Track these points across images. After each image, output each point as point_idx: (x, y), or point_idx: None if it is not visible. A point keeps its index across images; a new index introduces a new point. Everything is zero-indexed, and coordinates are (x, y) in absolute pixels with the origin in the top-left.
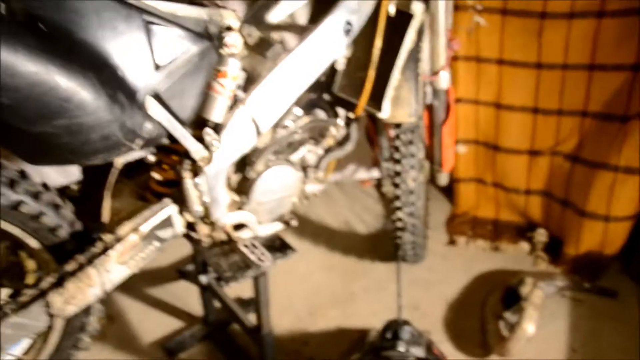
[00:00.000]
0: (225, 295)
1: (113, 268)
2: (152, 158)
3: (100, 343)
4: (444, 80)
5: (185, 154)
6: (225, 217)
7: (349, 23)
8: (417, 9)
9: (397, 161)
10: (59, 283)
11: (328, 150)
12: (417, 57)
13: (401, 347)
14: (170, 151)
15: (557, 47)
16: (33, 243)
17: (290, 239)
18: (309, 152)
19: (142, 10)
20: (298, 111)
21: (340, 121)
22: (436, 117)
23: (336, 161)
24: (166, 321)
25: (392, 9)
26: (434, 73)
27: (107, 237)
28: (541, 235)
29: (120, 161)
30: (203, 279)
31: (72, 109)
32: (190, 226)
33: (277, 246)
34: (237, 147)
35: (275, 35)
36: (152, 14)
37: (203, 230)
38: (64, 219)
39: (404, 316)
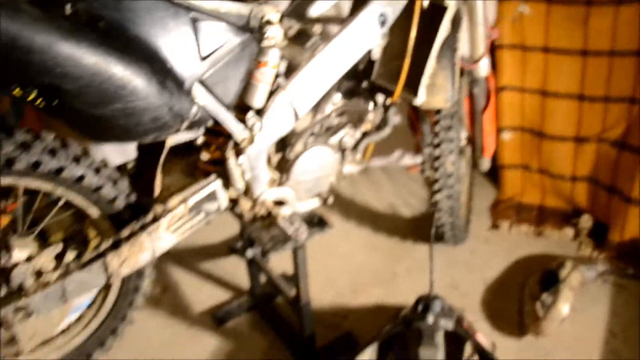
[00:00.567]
0: (270, 269)
1: (162, 236)
2: (201, 140)
3: (154, 309)
4: (483, 68)
5: (229, 136)
6: (266, 193)
7: (383, 15)
8: (450, 1)
9: (437, 146)
10: (115, 246)
11: (366, 134)
12: (454, 46)
13: (430, 319)
14: (218, 134)
15: (604, 34)
16: (94, 212)
17: (336, 220)
18: (347, 136)
19: (188, 9)
20: (337, 97)
21: (371, 106)
22: (476, 104)
23: (376, 146)
24: (216, 293)
25: (425, 2)
26: (474, 62)
27: (158, 208)
28: (586, 222)
29: (170, 141)
30: (249, 252)
31: (127, 95)
32: (234, 201)
33: (315, 222)
34: (276, 129)
35: (314, 28)
36: (198, 11)
37: (245, 205)
38: (121, 192)
39: (443, 295)
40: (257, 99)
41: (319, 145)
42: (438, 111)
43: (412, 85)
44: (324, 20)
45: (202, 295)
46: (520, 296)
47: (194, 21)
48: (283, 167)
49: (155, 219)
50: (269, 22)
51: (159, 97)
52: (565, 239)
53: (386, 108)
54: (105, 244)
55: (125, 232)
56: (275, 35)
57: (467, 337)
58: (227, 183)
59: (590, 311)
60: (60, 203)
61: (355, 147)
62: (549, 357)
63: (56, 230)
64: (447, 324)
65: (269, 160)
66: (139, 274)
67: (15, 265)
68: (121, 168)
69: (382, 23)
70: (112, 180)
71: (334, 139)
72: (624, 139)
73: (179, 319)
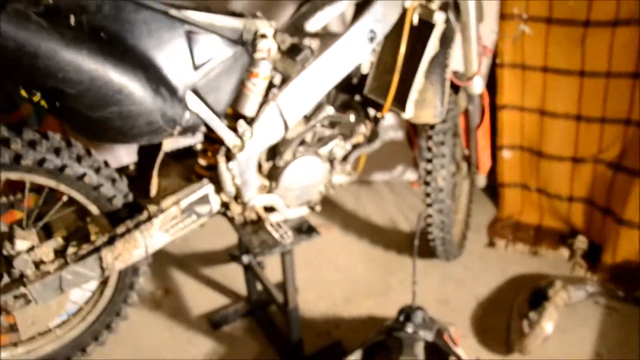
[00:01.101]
0: (264, 275)
1: (155, 234)
2: (199, 146)
3: (155, 311)
4: (477, 85)
5: (222, 142)
6: (255, 198)
7: (372, 31)
8: (438, 19)
9: (429, 160)
10: (110, 242)
11: (356, 146)
12: (444, 62)
13: (409, 329)
14: (215, 141)
15: (600, 55)
16: (94, 209)
17: (337, 232)
18: (337, 147)
19: (184, 21)
20: (330, 110)
21: (353, 117)
22: (471, 121)
23: (379, 160)
24: (215, 297)
25: (415, 18)
26: (468, 79)
27: (152, 208)
28: (581, 242)
29: (167, 145)
30: (245, 258)
31: (123, 99)
32: (225, 205)
33: (304, 229)
34: (266, 138)
35: (306, 42)
36: (193, 24)
37: (236, 209)
38: (119, 191)
39: (433, 310)
40: (248, 108)
41: (308, 155)
42: (432, 127)
43: (401, 100)
44: (320, 35)
45: (201, 299)
46: (509, 314)
47: (189, 33)
48: (273, 174)
49: (149, 218)
50: (263, 36)
51: (153, 102)
52: (560, 259)
53: (377, 121)
54: (101, 239)
55: (120, 229)
56: (267, 48)
57: (447, 350)
58: (219, 187)
59: (578, 331)
60: (64, 199)
61: (345, 158)
62: None
63: (60, 226)
64: (427, 335)
65: (259, 168)
66: (134, 271)
67: (18, 254)
68: (123, 169)
69: (371, 39)
70: (111, 180)
71: (324, 150)
72: (619, 160)
73: (178, 321)
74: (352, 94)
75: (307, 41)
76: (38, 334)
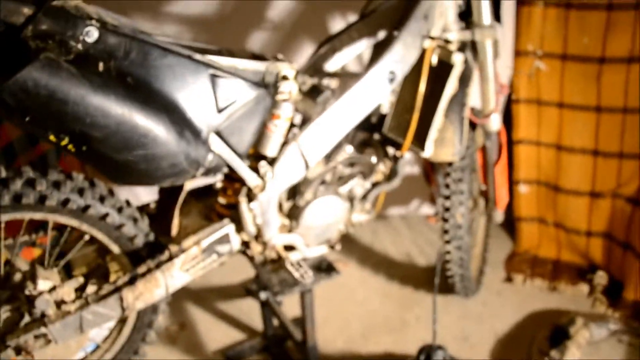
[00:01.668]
0: (282, 311)
1: (176, 274)
2: (219, 184)
3: (171, 346)
4: (494, 122)
5: (243, 182)
6: (276, 237)
7: (392, 72)
8: (457, 59)
9: (447, 197)
10: (131, 282)
11: (376, 185)
12: (463, 101)
13: None
14: (235, 180)
15: (617, 91)
16: (115, 248)
17: (354, 266)
18: (357, 185)
19: (208, 65)
20: (349, 148)
21: (374, 158)
22: (489, 157)
23: (396, 194)
24: (230, 332)
25: (434, 59)
26: (485, 116)
27: (173, 248)
28: (601, 278)
29: (189, 185)
30: (262, 295)
31: (148, 142)
32: (246, 244)
33: (323, 267)
34: (287, 178)
35: (327, 82)
36: (216, 68)
37: (256, 248)
38: (140, 231)
39: (452, 347)
40: (270, 149)
41: (328, 194)
42: (450, 163)
43: (421, 139)
44: (339, 74)
45: (217, 334)
46: (529, 351)
47: (213, 77)
48: (293, 213)
49: (171, 258)
50: (284, 78)
51: (177, 145)
52: (579, 295)
53: (396, 160)
54: (122, 279)
55: (141, 269)
56: (288, 90)
57: None
58: (240, 227)
59: None
60: (85, 238)
61: (365, 196)
62: None
63: (80, 264)
64: None
65: (280, 207)
66: (153, 309)
67: (40, 294)
68: (143, 208)
69: (391, 80)
70: (133, 220)
71: (344, 189)
72: (638, 195)
73: (193, 356)
74: (371, 133)
75: (326, 81)
76: None
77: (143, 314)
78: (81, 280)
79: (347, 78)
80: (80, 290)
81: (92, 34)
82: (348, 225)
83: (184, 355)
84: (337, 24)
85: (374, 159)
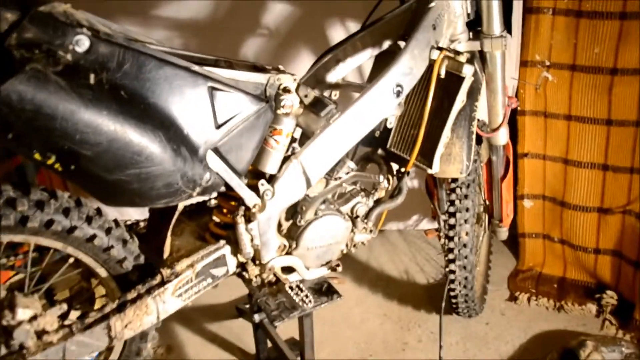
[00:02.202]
0: (276, 334)
1: (168, 299)
2: (213, 202)
3: None
4: (502, 137)
5: (240, 201)
6: (274, 260)
7: (399, 85)
8: (467, 71)
9: (452, 214)
10: (119, 309)
11: (378, 202)
12: (471, 115)
13: None
14: (230, 197)
15: (629, 104)
16: (102, 272)
17: (349, 285)
18: (360, 204)
19: (206, 78)
20: (351, 164)
21: (382, 178)
22: (495, 172)
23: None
24: (221, 355)
25: (443, 71)
26: (492, 130)
27: (166, 271)
28: (610, 298)
29: (182, 204)
30: (256, 317)
31: (142, 161)
32: (242, 266)
33: (324, 290)
34: (288, 196)
35: (330, 95)
36: (216, 80)
37: (253, 271)
38: (130, 253)
39: None
40: (270, 166)
41: (330, 213)
42: (454, 179)
43: (427, 155)
44: (340, 85)
45: (206, 357)
46: None
47: (212, 90)
48: (293, 234)
49: (163, 283)
50: (286, 90)
51: (173, 164)
52: (587, 315)
53: (400, 176)
54: (110, 306)
55: (131, 294)
56: (291, 103)
57: None
58: (236, 248)
59: None
60: (70, 261)
61: (368, 215)
62: None
63: (63, 287)
64: None
65: (278, 227)
66: (142, 336)
67: (19, 324)
68: (132, 227)
69: (398, 93)
70: (123, 241)
71: (346, 207)
72: None
73: None
74: (374, 147)
75: (329, 93)
76: None
77: (131, 342)
78: (65, 307)
79: (348, 89)
80: (64, 317)
81: (82, 43)
82: (350, 246)
83: None
84: (333, 31)
85: (382, 179)
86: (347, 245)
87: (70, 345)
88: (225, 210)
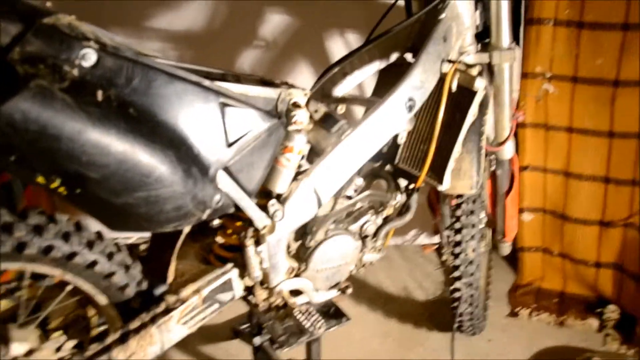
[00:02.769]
0: (278, 357)
1: (173, 328)
2: (216, 222)
3: None
4: (508, 151)
5: (248, 222)
6: (283, 283)
7: (411, 99)
8: (479, 85)
9: (458, 231)
10: (122, 340)
11: (387, 220)
12: (480, 130)
13: None
14: (235, 217)
15: (631, 116)
16: (102, 300)
17: (347, 302)
18: (369, 222)
19: (218, 93)
20: (359, 180)
21: (399, 195)
22: (499, 186)
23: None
24: None
25: (454, 85)
26: (499, 144)
27: (170, 298)
28: (612, 312)
29: (188, 227)
30: (257, 340)
31: (152, 183)
32: (249, 290)
33: (331, 313)
34: (299, 217)
35: (339, 110)
36: (227, 96)
37: (261, 294)
38: (132, 279)
39: None
40: (280, 185)
41: (339, 233)
42: (459, 194)
43: (437, 171)
44: (348, 100)
45: None
46: None
47: (223, 106)
48: (302, 255)
49: (168, 310)
50: (296, 105)
51: (183, 185)
52: (589, 330)
53: (409, 193)
54: (112, 336)
55: (134, 324)
56: (302, 119)
57: None
58: (243, 271)
59: None
60: (67, 289)
61: (376, 233)
62: None
63: (57, 315)
64: None
65: (287, 248)
66: None
67: None
68: (132, 249)
69: (410, 108)
70: (125, 266)
71: (355, 226)
72: None
73: None
74: (381, 163)
75: (334, 107)
76: None
77: None
78: (62, 339)
79: (354, 103)
80: (59, 347)
81: (89, 57)
82: (359, 266)
83: None
84: (332, 43)
85: (399, 197)
86: (356, 266)
87: None
88: (229, 231)
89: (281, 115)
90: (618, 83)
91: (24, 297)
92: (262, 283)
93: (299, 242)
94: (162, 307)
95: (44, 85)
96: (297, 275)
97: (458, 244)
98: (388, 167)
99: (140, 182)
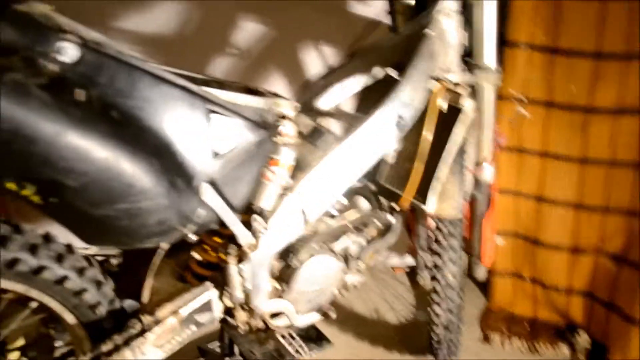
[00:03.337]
0: None
1: (148, 351)
2: (193, 238)
3: None
4: (488, 173)
5: (230, 238)
6: (265, 304)
7: (400, 117)
8: (467, 104)
9: (437, 254)
10: None
11: (370, 241)
12: (464, 150)
13: None
14: (213, 232)
15: (604, 143)
16: (70, 318)
17: (318, 324)
18: (352, 243)
19: (205, 99)
20: (342, 199)
21: (382, 215)
22: (478, 209)
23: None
24: None
25: (445, 105)
26: (479, 165)
27: (146, 319)
28: (583, 340)
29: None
30: None
31: (135, 194)
32: (228, 311)
33: (312, 337)
34: (285, 235)
35: (325, 124)
36: (215, 103)
37: (241, 316)
38: (104, 297)
39: None
40: (266, 200)
41: (323, 253)
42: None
43: (422, 191)
44: (333, 114)
45: None
46: None
47: (210, 114)
48: (285, 276)
49: (143, 332)
50: (284, 117)
51: (167, 198)
52: (560, 357)
53: (392, 213)
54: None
55: (106, 346)
56: (290, 132)
57: None
58: (223, 291)
59: None
60: (32, 306)
61: (360, 254)
62: None
63: (18, 334)
64: None
65: (270, 269)
66: None
67: None
68: (103, 264)
69: (399, 124)
70: (96, 283)
71: (339, 246)
72: (624, 253)
73: None
74: (365, 181)
75: (326, 123)
76: None
77: None
78: None
79: (339, 118)
80: None
81: (67, 51)
82: (341, 289)
83: None
84: (306, 55)
85: (393, 219)
86: (338, 289)
87: None
88: (207, 248)
89: (268, 127)
90: (591, 110)
91: None
92: (242, 304)
93: (283, 262)
94: (137, 328)
95: (18, 80)
96: (279, 297)
97: (437, 267)
98: (371, 186)
99: (122, 193)
